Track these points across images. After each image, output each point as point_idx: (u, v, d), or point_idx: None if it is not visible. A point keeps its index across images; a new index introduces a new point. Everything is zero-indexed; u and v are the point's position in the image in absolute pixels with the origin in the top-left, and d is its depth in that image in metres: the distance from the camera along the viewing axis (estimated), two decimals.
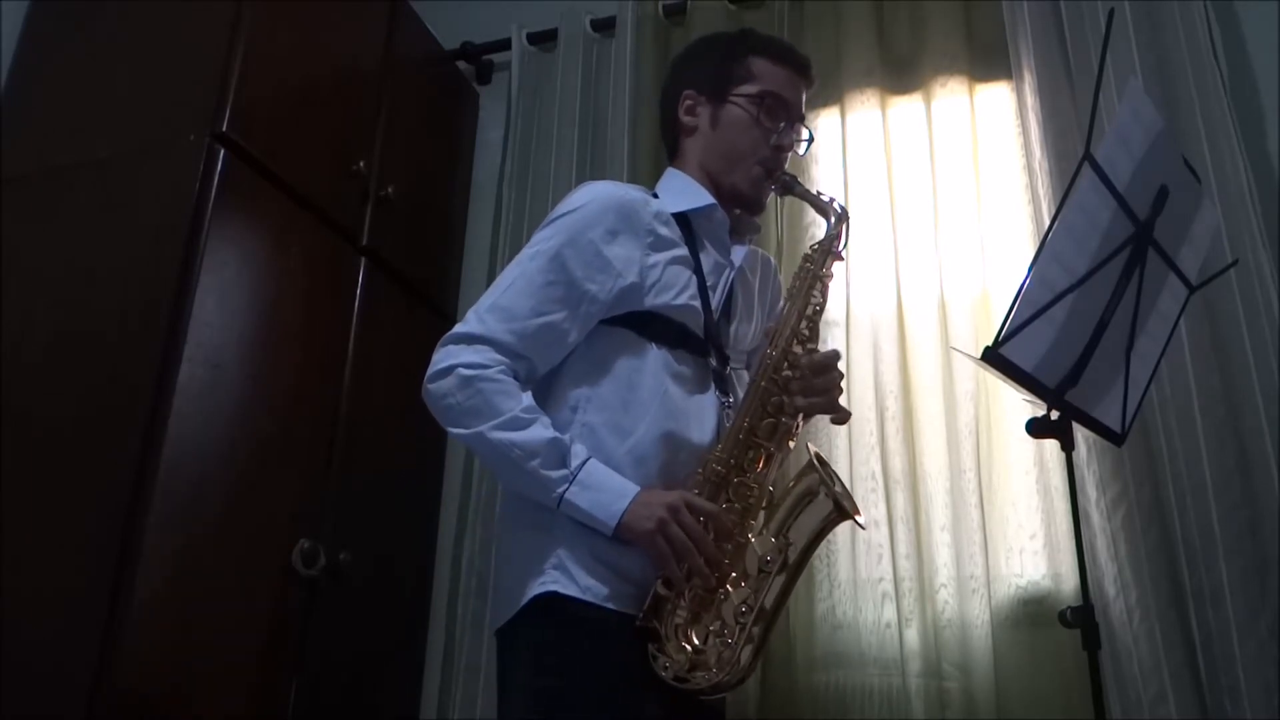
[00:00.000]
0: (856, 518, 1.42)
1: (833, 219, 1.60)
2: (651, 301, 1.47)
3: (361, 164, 2.14)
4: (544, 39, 2.64)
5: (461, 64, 2.75)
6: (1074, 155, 1.86)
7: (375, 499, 2.10)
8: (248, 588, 1.73)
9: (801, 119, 1.66)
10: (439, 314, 2.42)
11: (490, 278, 2.43)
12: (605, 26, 2.57)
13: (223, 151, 1.79)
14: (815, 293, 1.54)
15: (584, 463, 1.37)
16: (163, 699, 1.55)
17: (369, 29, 2.30)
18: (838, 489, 1.41)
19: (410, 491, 2.28)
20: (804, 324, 1.52)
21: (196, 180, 1.75)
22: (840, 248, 1.59)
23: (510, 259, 2.19)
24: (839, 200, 1.64)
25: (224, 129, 1.79)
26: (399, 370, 2.14)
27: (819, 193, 1.63)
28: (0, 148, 1.93)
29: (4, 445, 1.66)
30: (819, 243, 1.59)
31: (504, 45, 2.68)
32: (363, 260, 2.15)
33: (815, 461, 1.43)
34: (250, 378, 1.79)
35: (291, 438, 1.87)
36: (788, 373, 1.48)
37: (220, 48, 1.85)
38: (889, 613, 1.91)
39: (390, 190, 2.21)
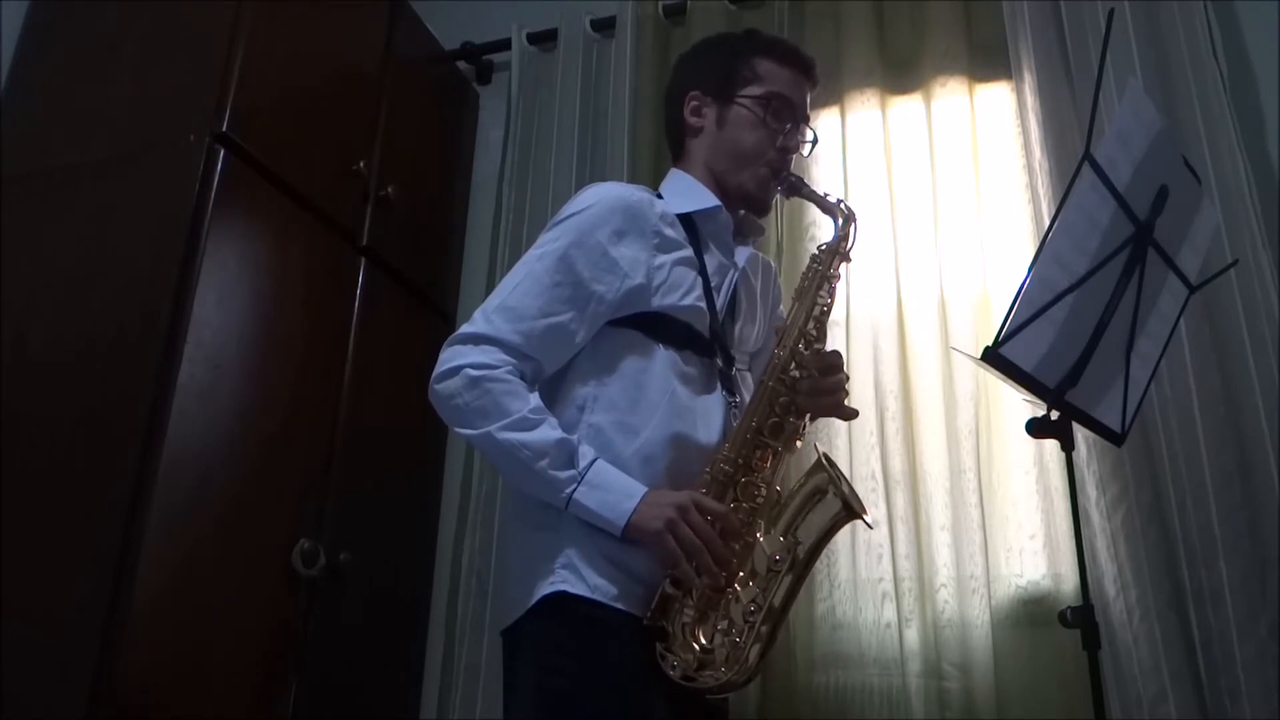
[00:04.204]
0: (864, 517, 1.42)
1: (840, 220, 1.59)
2: (658, 302, 1.47)
3: (361, 164, 2.14)
4: (544, 39, 2.64)
5: (461, 64, 2.75)
6: (1074, 155, 1.86)
7: (375, 499, 2.10)
8: (248, 588, 1.73)
9: (807, 120, 1.66)
10: (439, 314, 2.42)
11: (490, 278, 2.43)
12: (605, 26, 2.57)
13: (223, 151, 1.79)
14: (823, 293, 1.54)
15: (592, 463, 1.37)
16: (163, 699, 1.55)
17: (369, 29, 2.30)
18: (845, 488, 1.41)
19: (410, 491, 2.28)
20: (811, 324, 1.52)
21: (196, 180, 1.75)
22: (848, 248, 1.58)
23: (510, 259, 2.21)
24: (846, 201, 1.63)
25: (224, 129, 1.79)
26: (399, 370, 2.15)
27: (825, 193, 1.63)
28: (0, 148, 1.93)
29: (4, 446, 1.66)
30: (827, 244, 1.59)
31: (504, 45, 2.68)
32: (363, 260, 2.15)
33: (824, 461, 1.43)
34: (250, 378, 1.79)
35: (291, 438, 1.87)
36: (795, 373, 1.48)
37: (220, 48, 1.85)
38: (889, 613, 1.91)
39: (390, 190, 2.21)
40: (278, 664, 1.78)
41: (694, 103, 1.65)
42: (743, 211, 1.65)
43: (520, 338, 1.42)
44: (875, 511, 1.97)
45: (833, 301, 1.55)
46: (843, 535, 1.95)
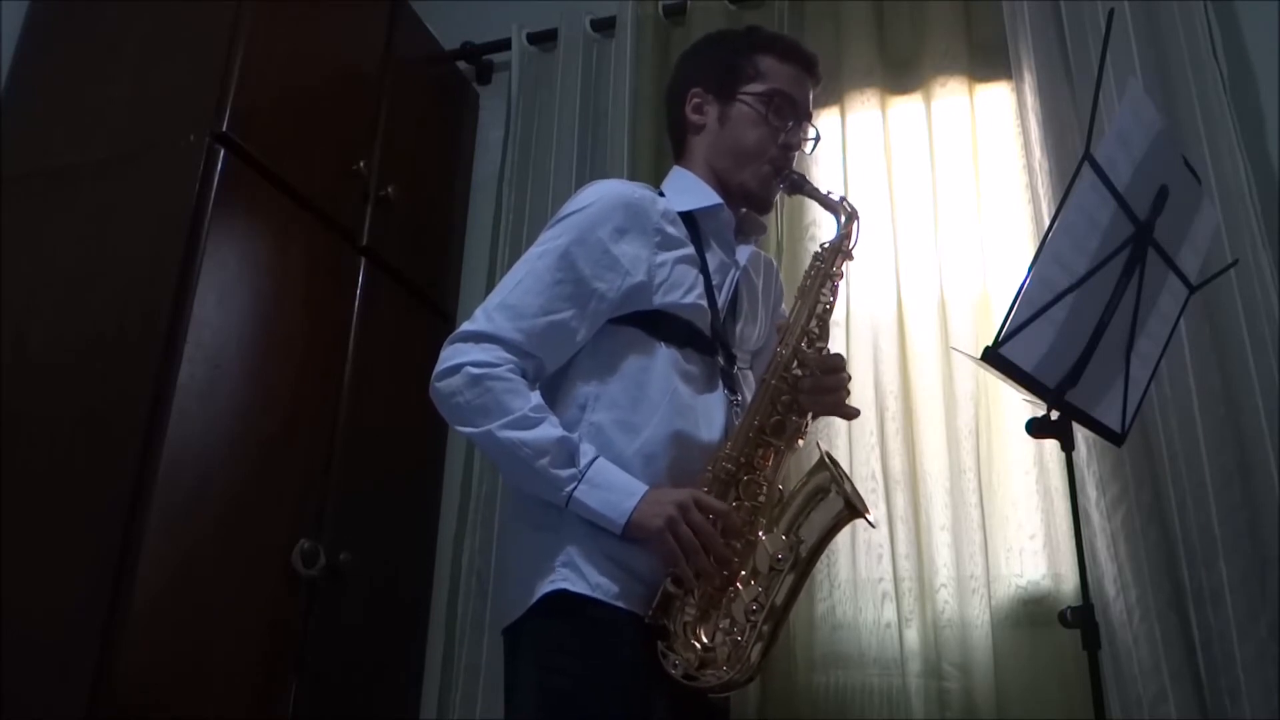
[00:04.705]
0: (867, 515, 1.42)
1: (843, 217, 1.59)
2: (660, 300, 1.47)
3: (361, 164, 2.14)
4: (544, 39, 2.64)
5: (461, 64, 2.75)
6: (1074, 155, 1.86)
7: (375, 499, 2.10)
8: (248, 588, 1.73)
9: (809, 117, 1.66)
10: (439, 314, 2.42)
11: (490, 278, 2.43)
12: (605, 26, 2.57)
13: (223, 151, 1.79)
14: (825, 291, 1.53)
15: (592, 461, 1.37)
16: (163, 699, 1.55)
17: (369, 29, 2.30)
18: (848, 487, 1.41)
19: (410, 491, 2.28)
20: (814, 322, 1.51)
21: (196, 180, 1.75)
22: (851, 246, 1.58)
23: (510, 259, 2.20)
24: (848, 199, 1.62)
25: (224, 129, 1.79)
26: (399, 370, 2.15)
27: (828, 191, 1.62)
28: (0, 148, 1.93)
29: (4, 445, 1.65)
30: (830, 241, 1.58)
31: (504, 45, 2.68)
32: (363, 260, 2.15)
33: (826, 459, 1.43)
34: (250, 378, 1.79)
35: (291, 437, 1.87)
36: (798, 371, 1.48)
37: (220, 48, 1.86)
38: (889, 613, 1.91)
39: (390, 190, 2.21)
40: (278, 664, 1.78)
41: (695, 100, 1.65)
42: (744, 209, 1.65)
43: (521, 335, 1.42)
44: (875, 511, 1.97)
45: (835, 299, 1.55)
46: (843, 535, 1.94)
